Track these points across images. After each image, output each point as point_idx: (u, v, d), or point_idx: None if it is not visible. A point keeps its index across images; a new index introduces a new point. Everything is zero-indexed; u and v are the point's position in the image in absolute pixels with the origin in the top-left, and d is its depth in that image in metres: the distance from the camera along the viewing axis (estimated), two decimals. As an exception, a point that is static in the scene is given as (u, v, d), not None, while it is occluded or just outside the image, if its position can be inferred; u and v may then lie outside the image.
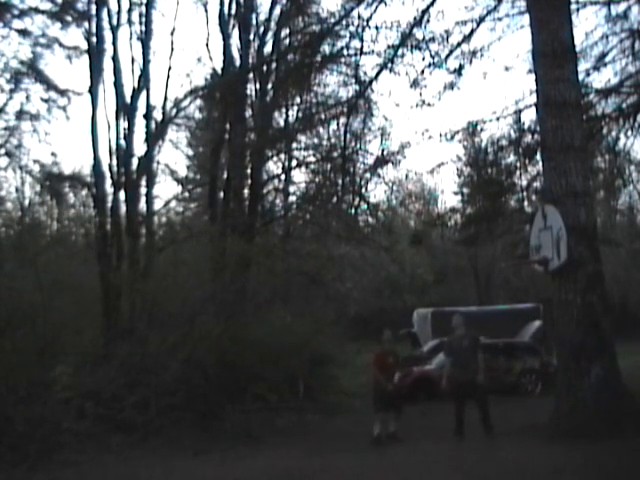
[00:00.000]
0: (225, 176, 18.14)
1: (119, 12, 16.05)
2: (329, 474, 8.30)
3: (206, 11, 18.59)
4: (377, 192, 39.46)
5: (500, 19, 14.32)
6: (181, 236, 18.30)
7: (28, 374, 10.89)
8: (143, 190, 16.25)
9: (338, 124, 18.76)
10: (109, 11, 15.92)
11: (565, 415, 9.38)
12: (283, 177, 22.05)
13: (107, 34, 15.87)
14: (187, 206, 26.30)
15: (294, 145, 20.88)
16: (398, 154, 18.43)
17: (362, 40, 14.58)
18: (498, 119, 15.45)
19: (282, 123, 20.67)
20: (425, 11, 13.53)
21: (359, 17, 14.23)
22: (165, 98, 16.99)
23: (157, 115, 16.88)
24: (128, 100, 15.89)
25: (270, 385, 12.82)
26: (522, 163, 16.41)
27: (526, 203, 18.86)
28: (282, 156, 21.17)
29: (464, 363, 10.21)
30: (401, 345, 21.87)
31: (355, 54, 15.64)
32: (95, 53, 15.63)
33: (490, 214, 17.11)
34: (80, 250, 18.92)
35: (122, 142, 15.81)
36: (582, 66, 14.44)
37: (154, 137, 16.81)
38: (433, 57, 14.03)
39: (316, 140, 20.90)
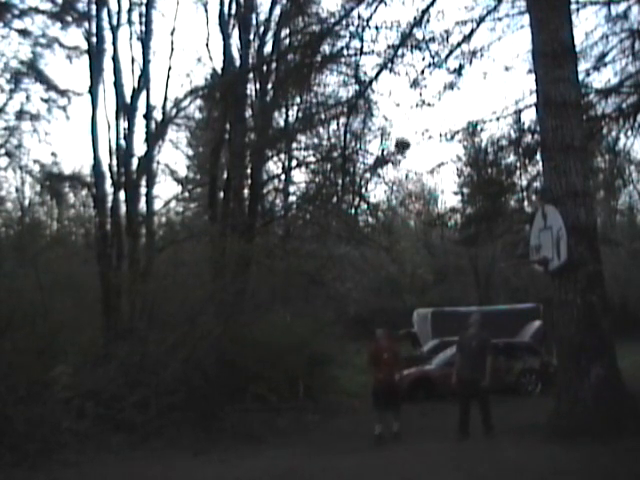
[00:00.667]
0: (225, 176, 18.14)
1: (119, 12, 16.07)
2: (329, 474, 8.30)
3: (206, 11, 18.63)
4: (377, 192, 39.54)
5: (500, 19, 14.32)
6: (181, 236, 18.31)
7: (28, 374, 10.88)
8: (143, 190, 16.26)
9: (338, 124, 18.78)
10: (109, 11, 15.93)
11: (565, 415, 9.38)
12: (283, 177, 22.07)
13: (107, 34, 15.89)
14: (187, 206, 26.31)
15: (294, 145, 20.89)
16: (398, 154, 18.46)
17: (362, 40, 14.58)
18: (498, 119, 15.46)
19: (282, 123, 20.67)
20: (425, 11, 13.52)
21: (359, 17, 14.23)
22: (165, 98, 17.02)
23: (157, 115, 16.91)
24: (128, 100, 15.89)
25: (270, 385, 12.82)
26: (522, 163, 16.41)
27: (526, 203, 18.90)
28: (282, 156, 21.19)
29: (471, 363, 10.23)
30: (401, 345, 21.93)
31: (355, 54, 15.63)
32: (95, 53, 15.63)
33: (490, 214, 17.11)
34: (80, 250, 18.96)
35: (122, 142, 15.82)
36: (582, 66, 14.46)
37: (154, 137, 16.81)
38: (433, 57, 14.02)
39: (316, 140, 20.92)
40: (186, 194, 23.76)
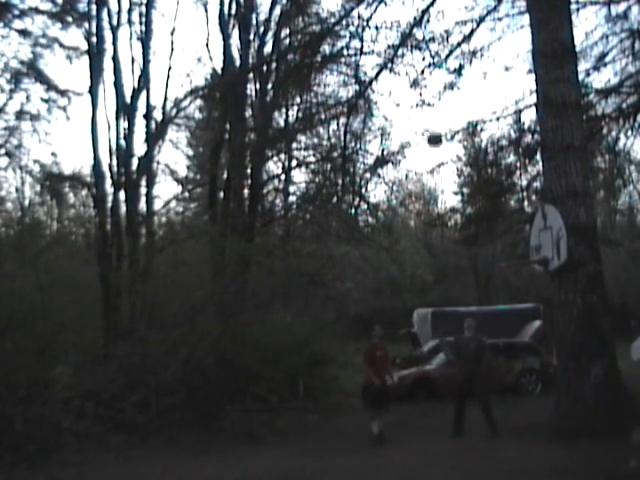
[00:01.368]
0: (225, 176, 18.14)
1: (119, 12, 16.07)
2: (329, 474, 8.31)
3: (206, 11, 18.63)
4: (377, 192, 39.47)
5: (500, 19, 14.33)
6: (181, 236, 18.30)
7: (28, 374, 10.88)
8: (143, 190, 16.25)
9: (338, 124, 18.77)
10: (109, 11, 15.93)
11: (565, 415, 9.39)
12: (283, 177, 22.05)
13: (107, 34, 15.89)
14: (187, 206, 26.30)
15: (294, 145, 20.87)
16: (398, 154, 18.45)
17: (362, 40, 14.58)
18: (498, 119, 15.46)
19: (282, 123, 20.67)
20: (425, 11, 13.52)
21: (359, 17, 14.24)
22: (165, 98, 17.01)
23: (157, 115, 16.90)
24: (128, 100, 15.89)
25: (270, 385, 12.81)
26: (522, 163, 16.42)
27: (526, 203, 18.90)
28: (282, 156, 21.17)
29: (471, 365, 10.46)
30: (401, 345, 21.93)
31: (355, 54, 15.63)
32: (95, 53, 15.63)
33: (490, 214, 17.12)
34: (80, 250, 18.95)
35: (122, 142, 15.81)
36: (582, 66, 14.47)
37: (154, 137, 16.81)
38: (433, 57, 14.02)
39: (316, 140, 20.91)
40: (186, 194, 23.75)
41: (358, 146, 19.22)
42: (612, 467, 7.42)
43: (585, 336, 9.44)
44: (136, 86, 16.00)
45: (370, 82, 15.43)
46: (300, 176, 24.26)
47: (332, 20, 15.07)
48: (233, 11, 17.93)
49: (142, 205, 16.25)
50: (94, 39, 15.70)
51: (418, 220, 37.74)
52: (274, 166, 21.79)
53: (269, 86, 18.45)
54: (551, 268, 9.74)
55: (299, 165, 21.77)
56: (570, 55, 10.38)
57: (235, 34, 17.87)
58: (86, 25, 15.72)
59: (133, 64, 16.13)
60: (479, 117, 17.01)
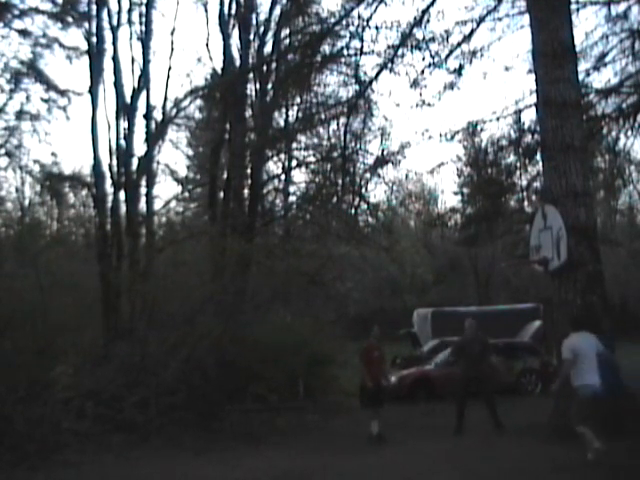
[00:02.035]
0: (225, 176, 18.14)
1: (119, 12, 16.08)
2: (329, 474, 8.31)
3: (206, 11, 18.64)
4: (377, 192, 39.53)
5: (500, 19, 14.34)
6: (181, 236, 18.30)
7: (28, 374, 10.88)
8: (143, 190, 16.26)
9: (338, 124, 18.75)
10: (109, 11, 15.94)
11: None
12: (283, 177, 22.03)
13: (107, 34, 15.90)
14: (187, 206, 26.27)
15: (294, 145, 20.85)
16: (398, 154, 18.43)
17: (362, 40, 14.58)
18: (498, 119, 15.46)
19: (282, 123, 20.65)
20: (425, 11, 13.53)
21: (359, 17, 14.24)
22: (165, 98, 17.02)
23: (157, 115, 16.90)
24: (128, 100, 15.90)
25: (270, 385, 12.81)
26: (522, 163, 16.41)
27: (526, 203, 18.89)
28: (282, 156, 21.14)
29: (476, 365, 10.73)
30: (401, 345, 21.94)
31: (355, 54, 15.63)
32: (95, 53, 15.64)
33: (490, 214, 17.11)
34: (80, 250, 18.94)
35: (122, 142, 15.82)
36: (582, 66, 14.46)
37: (154, 137, 16.81)
38: (433, 57, 14.02)
39: (316, 140, 20.89)
40: (186, 194, 23.74)
41: (358, 146, 19.22)
42: (612, 467, 7.41)
43: (585, 336, 9.42)
44: (136, 86, 16.00)
45: (370, 82, 15.43)
46: (300, 176, 24.28)
47: (332, 20, 15.09)
48: (233, 11, 17.94)
49: (142, 205, 16.26)
50: (94, 39, 15.71)
51: (418, 220, 37.77)
52: (274, 166, 21.79)
53: (269, 86, 18.45)
54: (551, 268, 9.73)
55: (299, 165, 21.76)
56: (570, 55, 10.38)
57: (235, 34, 17.89)
58: (86, 25, 15.73)
59: (133, 64, 16.15)
60: (479, 117, 17.05)
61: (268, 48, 18.45)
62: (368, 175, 19.18)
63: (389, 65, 14.45)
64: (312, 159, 21.22)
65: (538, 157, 14.66)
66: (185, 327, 12.66)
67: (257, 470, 8.65)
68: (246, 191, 18.31)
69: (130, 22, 16.24)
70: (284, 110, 20.50)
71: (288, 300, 18.16)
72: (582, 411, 7.81)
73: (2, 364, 10.92)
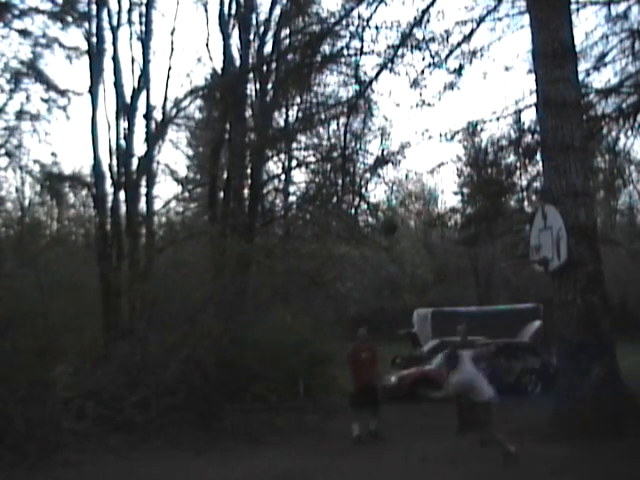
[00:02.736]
0: (225, 176, 18.14)
1: (119, 12, 16.10)
2: (329, 474, 8.31)
3: (206, 11, 18.63)
4: (377, 192, 39.40)
5: (500, 19, 14.35)
6: (181, 236, 18.30)
7: (28, 374, 10.88)
8: (143, 190, 16.27)
9: (338, 124, 18.76)
10: (109, 11, 15.96)
11: (565, 415, 9.39)
12: (283, 177, 22.04)
13: (107, 34, 15.92)
14: (187, 206, 26.27)
15: (294, 145, 20.86)
16: (398, 154, 18.43)
17: (362, 40, 14.59)
18: (498, 119, 15.48)
19: (282, 123, 20.65)
20: (425, 11, 13.53)
21: (359, 17, 14.26)
22: (165, 98, 17.03)
23: (157, 115, 16.92)
24: (128, 100, 15.91)
25: (270, 385, 12.81)
26: (522, 163, 16.42)
27: (526, 203, 18.89)
28: (282, 156, 21.15)
29: None
30: (401, 345, 21.93)
31: (355, 54, 15.64)
32: (95, 53, 15.65)
33: (490, 214, 17.11)
34: (80, 250, 18.94)
35: (122, 142, 15.83)
36: (582, 66, 14.47)
37: (154, 137, 16.82)
38: (433, 57, 14.03)
39: (316, 140, 20.89)
40: (186, 194, 23.74)
41: (358, 146, 19.23)
42: (612, 467, 7.42)
43: (585, 336, 9.44)
44: (136, 86, 16.02)
45: (370, 82, 15.44)
46: (300, 176, 24.26)
47: (332, 20, 15.11)
48: (233, 11, 17.95)
49: (142, 205, 16.27)
50: (94, 39, 15.72)
51: (418, 220, 37.74)
52: (274, 166, 21.80)
53: (269, 86, 18.45)
54: (551, 268, 9.73)
55: (299, 165, 21.76)
56: (570, 55, 10.38)
57: (235, 34, 17.89)
58: (86, 25, 15.75)
59: (133, 64, 16.16)
60: (479, 117, 17.04)
61: (268, 48, 18.49)
62: (368, 175, 19.18)
63: (389, 65, 14.46)
64: (312, 159, 21.23)
65: (538, 157, 14.67)
66: (185, 327, 12.65)
67: (257, 470, 8.65)
68: (246, 191, 18.31)
69: (130, 22, 16.27)
70: (284, 110, 20.51)
71: (288, 300, 18.17)
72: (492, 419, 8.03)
73: (2, 364, 10.92)
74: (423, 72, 14.19)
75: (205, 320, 12.92)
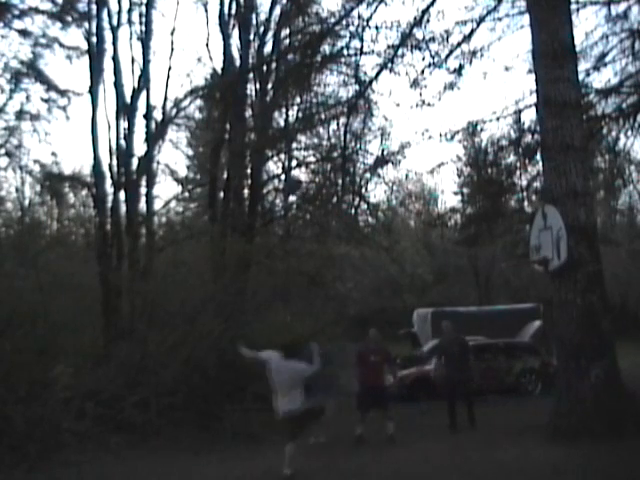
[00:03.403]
0: (225, 176, 18.14)
1: (119, 12, 16.08)
2: (329, 474, 8.31)
3: (206, 11, 18.64)
4: (377, 192, 39.47)
5: (500, 19, 14.34)
6: (181, 236, 18.29)
7: (28, 374, 10.88)
8: (143, 190, 16.26)
9: (338, 124, 18.77)
10: (109, 11, 15.94)
11: (565, 415, 9.38)
12: (283, 177, 22.05)
13: (107, 34, 15.90)
14: (187, 206, 26.29)
15: (294, 145, 20.86)
16: (398, 154, 18.43)
17: (362, 40, 14.58)
18: (498, 119, 15.47)
19: (282, 123, 20.65)
20: (425, 11, 13.53)
21: (359, 17, 14.25)
22: (165, 98, 17.02)
23: (157, 115, 16.91)
24: (128, 100, 15.90)
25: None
26: (522, 163, 16.41)
27: (526, 203, 18.89)
28: (282, 156, 21.16)
29: (456, 366, 10.97)
30: (401, 345, 21.91)
31: (355, 54, 15.63)
32: (95, 53, 15.64)
33: (490, 214, 17.11)
34: (80, 250, 18.92)
35: (122, 142, 15.82)
36: (582, 66, 14.46)
37: (154, 137, 16.81)
38: (433, 57, 14.02)
39: (316, 140, 20.91)
40: (186, 194, 23.75)
41: (358, 146, 19.22)
42: (612, 467, 7.42)
43: (585, 336, 9.44)
44: (136, 86, 16.00)
45: (370, 82, 15.44)
46: (300, 176, 24.27)
47: (332, 20, 15.10)
48: (233, 11, 17.92)
49: (142, 205, 16.26)
50: (94, 39, 15.71)
51: (418, 220, 37.72)
52: (274, 166, 21.79)
53: (269, 86, 18.44)
54: (551, 268, 9.73)
55: (299, 165, 21.75)
56: (570, 55, 10.37)
57: (235, 34, 17.87)
58: (86, 25, 15.73)
59: (133, 64, 16.15)
60: (479, 117, 17.04)
61: (268, 48, 18.47)
62: (368, 175, 19.19)
63: (389, 65, 14.46)
64: (312, 159, 21.24)
65: (538, 157, 14.67)
66: (185, 327, 12.65)
67: (257, 470, 8.65)
68: (246, 191, 18.31)
69: (130, 22, 16.26)
70: (284, 110, 20.50)
71: (288, 300, 18.17)
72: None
73: (2, 364, 10.92)
74: (423, 72, 14.20)
75: (205, 320, 12.91)
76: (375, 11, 14.06)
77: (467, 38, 13.96)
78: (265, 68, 18.18)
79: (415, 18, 13.58)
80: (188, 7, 53.63)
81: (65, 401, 10.61)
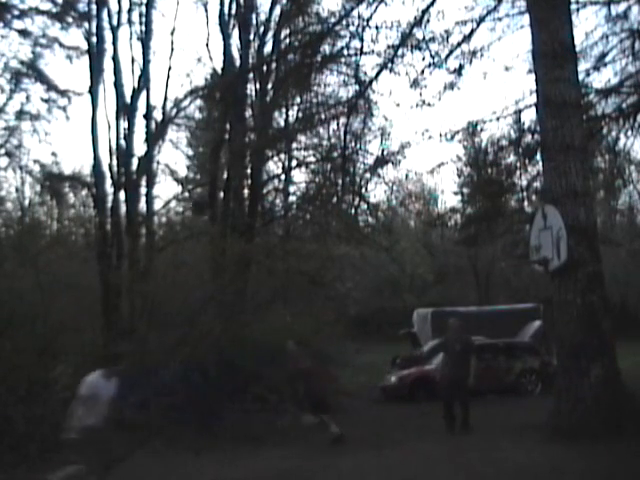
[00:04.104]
0: (225, 176, 18.14)
1: (119, 12, 16.14)
2: (329, 474, 8.30)
3: (206, 11, 18.68)
4: (377, 192, 39.36)
5: (500, 19, 14.31)
6: (181, 236, 18.30)
7: (28, 374, 10.88)
8: (143, 190, 16.28)
9: (338, 124, 18.77)
10: (109, 11, 15.99)
11: (565, 415, 9.38)
12: (283, 177, 22.05)
13: (107, 34, 15.94)
14: (187, 206, 26.27)
15: (294, 145, 20.87)
16: (398, 154, 18.44)
17: (362, 40, 14.58)
18: (498, 119, 15.45)
19: (282, 123, 20.67)
20: (425, 11, 13.52)
21: (359, 17, 14.24)
22: (165, 98, 17.07)
23: (157, 115, 16.94)
24: (128, 100, 15.93)
25: (270, 385, 12.80)
26: (522, 163, 16.40)
27: (526, 203, 18.88)
28: (282, 156, 21.17)
29: (455, 365, 10.77)
30: (401, 345, 21.94)
31: (355, 54, 15.65)
32: (95, 53, 15.67)
33: (490, 214, 17.10)
34: (80, 250, 18.92)
35: (122, 142, 15.84)
36: (582, 66, 14.44)
37: (154, 137, 16.83)
38: (433, 57, 14.01)
39: (316, 140, 20.90)
40: (186, 194, 23.75)
41: (358, 146, 19.24)
42: (612, 467, 7.41)
43: (585, 336, 9.43)
44: (136, 86, 16.04)
45: (370, 82, 15.44)
46: (300, 176, 24.26)
47: (332, 20, 15.10)
48: (233, 11, 17.97)
49: (142, 205, 16.28)
50: (94, 39, 15.75)
51: (418, 220, 37.70)
52: (274, 166, 21.82)
53: (269, 86, 18.46)
54: (551, 268, 9.73)
55: (299, 165, 21.77)
56: (570, 55, 10.37)
57: (235, 34, 17.92)
58: (86, 25, 15.77)
59: (133, 64, 16.19)
60: (479, 117, 17.00)
61: (268, 48, 18.51)
62: (368, 175, 19.20)
63: (389, 65, 14.45)
64: (312, 159, 21.25)
65: (538, 157, 14.66)
66: (185, 327, 12.65)
67: (257, 470, 8.65)
68: (246, 191, 18.32)
69: (130, 22, 16.31)
70: (284, 110, 20.52)
71: (288, 300, 18.17)
72: None
73: (2, 364, 10.91)
74: (423, 72, 14.18)
75: (205, 320, 12.91)
76: (375, 11, 14.07)
77: (467, 38, 13.94)
78: (265, 68, 18.20)
79: (415, 18, 13.58)
80: (188, 7, 53.64)
81: (65, 401, 10.61)
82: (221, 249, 14.37)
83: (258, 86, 18.68)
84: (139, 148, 16.25)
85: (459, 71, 14.30)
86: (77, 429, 8.36)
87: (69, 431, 8.20)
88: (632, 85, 15.32)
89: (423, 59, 14.06)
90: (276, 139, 19.14)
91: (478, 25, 13.97)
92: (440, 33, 13.80)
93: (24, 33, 15.74)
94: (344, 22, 14.69)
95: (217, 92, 18.10)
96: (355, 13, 14.27)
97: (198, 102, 19.32)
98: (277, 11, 18.31)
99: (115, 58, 15.90)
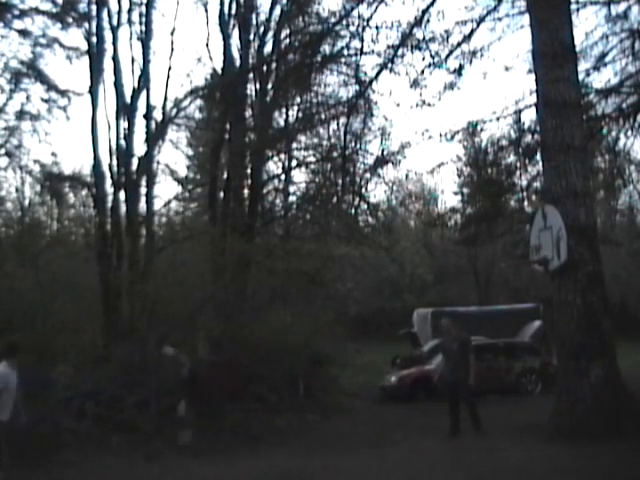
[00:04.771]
0: (225, 176, 18.14)
1: (119, 12, 16.10)
2: (329, 474, 8.31)
3: (206, 11, 18.66)
4: (377, 192, 39.41)
5: (500, 19, 14.31)
6: (181, 236, 18.30)
7: (28, 374, 10.87)
8: (143, 190, 16.26)
9: (338, 124, 18.75)
10: (109, 11, 15.95)
11: (565, 415, 9.39)
12: (283, 177, 22.03)
13: (107, 34, 15.92)
14: (187, 206, 26.26)
15: (294, 145, 20.85)
16: (398, 154, 18.42)
17: (362, 40, 14.59)
18: (498, 119, 15.45)
19: (282, 123, 20.65)
20: (425, 11, 13.53)
21: (359, 17, 14.26)
22: (165, 98, 17.03)
23: (157, 115, 16.91)
24: (128, 100, 15.91)
25: (270, 385, 12.81)
26: (522, 163, 16.40)
27: (526, 203, 18.87)
28: (282, 156, 21.15)
29: (454, 365, 10.61)
30: (401, 345, 21.94)
31: (355, 54, 15.65)
32: (95, 53, 15.65)
33: (490, 214, 17.10)
34: (80, 250, 18.92)
35: (122, 142, 15.82)
36: (582, 66, 14.44)
37: (154, 137, 16.81)
38: (433, 57, 14.01)
39: (316, 140, 20.88)
40: (186, 194, 23.74)
41: (358, 146, 19.21)
42: (612, 467, 7.42)
43: (585, 336, 9.44)
44: (136, 86, 16.01)
45: (370, 82, 15.44)
46: (300, 176, 24.23)
47: (332, 20, 15.12)
48: (233, 11, 17.94)
49: (142, 205, 16.26)
50: (94, 39, 15.72)
51: (418, 220, 37.70)
52: (274, 166, 21.78)
53: (269, 86, 18.45)
54: (551, 268, 9.73)
55: (299, 165, 21.75)
56: (570, 55, 10.38)
57: (235, 34, 17.89)
58: (86, 25, 15.74)
59: (133, 64, 16.16)
60: (479, 117, 17.01)
61: (268, 48, 18.48)
62: (368, 175, 19.17)
63: (389, 65, 14.46)
64: (312, 159, 21.23)
65: (538, 157, 14.67)
66: (185, 327, 12.65)
67: (257, 470, 8.65)
68: (246, 191, 18.31)
69: (130, 22, 16.27)
70: (284, 110, 20.50)
71: (288, 300, 18.16)
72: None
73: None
74: (423, 72, 14.19)
75: (205, 320, 12.92)
76: (375, 11, 14.09)
77: (467, 38, 13.95)
78: (265, 68, 18.19)
79: (415, 18, 13.59)
80: (188, 7, 53.64)
81: (65, 401, 10.62)
82: (221, 249, 14.36)
83: (258, 86, 18.67)
84: (139, 148, 16.25)
85: (459, 71, 14.30)
86: None
87: None
88: (632, 85, 15.32)
89: (423, 59, 14.09)
90: (276, 139, 19.13)
91: (478, 25, 13.98)
92: (440, 33, 13.82)
93: (24, 33, 15.73)
94: (344, 22, 14.72)
95: (217, 92, 18.09)
96: (355, 13, 14.32)
97: (198, 102, 19.32)
98: (277, 11, 18.31)
99: (115, 58, 15.88)
